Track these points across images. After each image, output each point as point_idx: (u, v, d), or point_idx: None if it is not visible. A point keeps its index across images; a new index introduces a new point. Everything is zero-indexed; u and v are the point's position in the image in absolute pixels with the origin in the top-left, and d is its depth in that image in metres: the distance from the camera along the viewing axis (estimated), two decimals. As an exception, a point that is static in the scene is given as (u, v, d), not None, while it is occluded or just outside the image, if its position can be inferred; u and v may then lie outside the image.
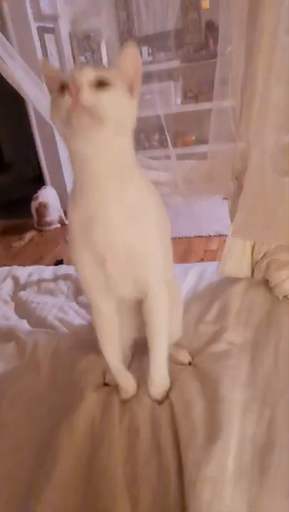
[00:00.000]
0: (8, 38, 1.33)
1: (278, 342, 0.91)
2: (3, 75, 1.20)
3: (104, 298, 0.76)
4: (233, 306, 1.02)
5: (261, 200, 0.84)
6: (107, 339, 0.82)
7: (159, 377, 0.83)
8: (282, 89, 0.88)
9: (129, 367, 0.92)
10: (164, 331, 0.79)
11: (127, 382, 0.86)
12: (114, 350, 0.83)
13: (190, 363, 0.91)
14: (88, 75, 0.56)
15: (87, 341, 0.99)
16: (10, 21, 2.39)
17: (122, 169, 0.63)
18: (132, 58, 0.61)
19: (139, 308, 0.81)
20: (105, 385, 0.89)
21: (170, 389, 0.83)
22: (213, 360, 0.88)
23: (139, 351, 0.95)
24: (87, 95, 0.55)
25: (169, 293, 0.79)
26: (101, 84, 0.56)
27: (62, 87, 0.57)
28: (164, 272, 0.75)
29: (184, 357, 0.92)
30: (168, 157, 1.16)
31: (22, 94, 1.25)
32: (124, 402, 0.84)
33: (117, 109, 0.58)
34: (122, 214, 0.64)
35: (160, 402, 0.81)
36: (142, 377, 0.89)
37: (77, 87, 0.54)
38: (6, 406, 0.86)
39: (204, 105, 2.33)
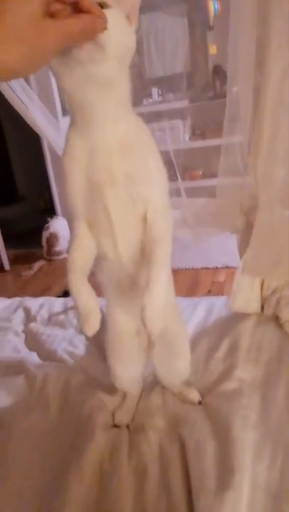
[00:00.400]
0: (26, 78, 1.41)
1: (289, 381, 0.90)
2: (22, 114, 1.27)
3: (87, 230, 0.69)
4: (242, 343, 1.02)
5: (270, 237, 0.86)
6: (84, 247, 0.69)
7: (155, 299, 0.63)
8: None
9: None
10: (166, 245, 0.67)
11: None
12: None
13: (200, 402, 0.90)
14: None
15: (97, 380, 0.99)
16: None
17: (119, 106, 0.61)
18: None
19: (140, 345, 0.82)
20: (114, 426, 0.88)
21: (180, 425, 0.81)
22: (224, 399, 0.87)
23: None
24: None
25: (174, 324, 0.79)
26: (101, 5, 0.51)
27: None
28: (162, 197, 0.69)
29: (194, 396, 0.91)
30: (177, 191, 1.19)
31: (37, 132, 1.32)
32: (132, 442, 0.83)
33: (118, 30, 0.53)
34: (120, 146, 0.62)
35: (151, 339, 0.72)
36: (149, 413, 0.88)
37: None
38: (14, 443, 0.85)
39: (211, 142, 2.42)
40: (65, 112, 2.76)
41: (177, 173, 1.18)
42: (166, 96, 2.76)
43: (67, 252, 0.69)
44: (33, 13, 0.40)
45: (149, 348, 0.84)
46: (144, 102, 2.81)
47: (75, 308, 0.70)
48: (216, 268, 2.36)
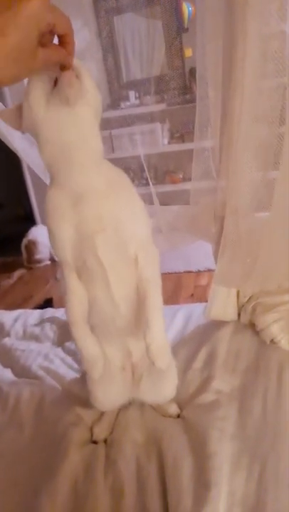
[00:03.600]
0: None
1: (266, 389, 0.89)
2: None
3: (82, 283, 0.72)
4: (220, 352, 1.01)
5: (239, 246, 0.85)
6: (80, 304, 0.73)
7: (158, 337, 0.68)
8: (264, 128, 0.91)
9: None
10: (157, 285, 0.72)
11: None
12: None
13: (178, 416, 0.88)
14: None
15: (74, 394, 0.97)
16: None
17: (98, 151, 0.67)
18: None
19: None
20: (93, 442, 0.86)
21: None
22: (201, 412, 0.86)
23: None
24: (76, 60, 0.60)
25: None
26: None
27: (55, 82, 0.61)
28: (148, 235, 0.74)
29: (173, 410, 0.89)
30: (152, 201, 1.17)
31: (11, 148, 1.28)
32: (108, 458, 0.81)
33: (95, 90, 0.64)
34: (106, 187, 0.67)
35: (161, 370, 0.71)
36: (127, 427, 0.86)
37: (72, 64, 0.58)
38: (-15, 467, 0.82)
39: (190, 145, 2.42)
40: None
41: (149, 179, 1.17)
42: (144, 99, 2.75)
43: (50, 259, 0.74)
44: (32, 41, 0.48)
45: (134, 383, 0.84)
46: (122, 105, 2.79)
47: (80, 356, 0.76)
48: (199, 271, 2.36)
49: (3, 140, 1.22)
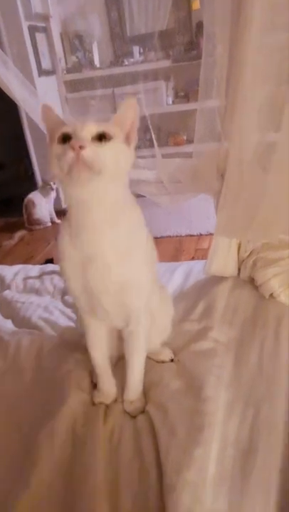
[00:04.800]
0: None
1: (263, 341, 0.90)
2: None
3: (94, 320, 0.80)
4: (218, 305, 1.01)
5: (241, 198, 0.83)
6: (96, 339, 0.83)
7: (135, 393, 0.82)
8: (267, 90, 0.88)
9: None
10: (142, 352, 0.81)
11: (109, 386, 0.84)
12: (102, 347, 0.84)
13: (172, 360, 0.90)
14: (91, 131, 0.60)
15: (72, 342, 0.98)
16: (0, 18, 2.35)
17: (116, 211, 0.67)
18: (131, 110, 0.65)
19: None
20: (94, 385, 0.87)
21: (146, 403, 0.82)
22: (198, 357, 0.87)
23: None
24: (89, 151, 0.58)
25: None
26: (101, 137, 0.60)
27: (64, 139, 0.60)
28: (149, 299, 0.79)
29: (166, 355, 0.91)
30: (155, 156, 1.14)
31: (14, 100, 1.23)
32: (107, 405, 0.83)
33: (116, 161, 0.62)
34: (116, 252, 0.68)
35: (133, 416, 0.80)
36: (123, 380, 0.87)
37: (79, 144, 0.57)
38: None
39: (195, 105, 2.33)
40: (41, 73, 2.61)
41: (153, 137, 1.13)
42: (148, 55, 2.62)
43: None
44: None
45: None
46: (126, 61, 2.67)
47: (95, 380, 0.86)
48: (200, 235, 2.34)
49: (2, 89, 1.18)
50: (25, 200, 2.63)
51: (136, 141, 0.67)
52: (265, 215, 0.82)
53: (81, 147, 0.57)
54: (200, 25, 2.51)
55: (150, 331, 0.83)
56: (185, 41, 2.64)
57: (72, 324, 1.07)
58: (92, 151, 0.58)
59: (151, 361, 0.90)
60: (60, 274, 0.76)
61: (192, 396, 0.78)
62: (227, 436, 0.72)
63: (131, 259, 0.70)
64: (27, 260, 2.27)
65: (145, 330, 0.80)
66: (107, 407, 0.82)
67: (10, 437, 0.79)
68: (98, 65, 2.77)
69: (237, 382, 0.82)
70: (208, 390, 0.78)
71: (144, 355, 0.81)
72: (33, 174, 2.83)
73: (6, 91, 1.17)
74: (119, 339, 0.85)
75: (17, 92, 1.16)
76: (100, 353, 0.84)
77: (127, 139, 0.66)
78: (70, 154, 0.58)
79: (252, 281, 1.04)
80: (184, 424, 0.73)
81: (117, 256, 0.68)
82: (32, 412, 0.83)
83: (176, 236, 2.36)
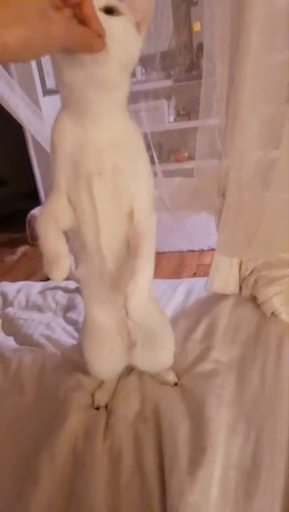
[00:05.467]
0: (6, 65, 1.33)
1: (265, 360, 0.90)
2: (3, 105, 1.20)
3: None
4: (220, 324, 1.01)
5: (242, 217, 0.84)
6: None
7: (139, 289, 0.62)
8: (267, 108, 0.90)
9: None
10: (151, 240, 0.67)
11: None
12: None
13: (176, 384, 0.89)
14: (99, 1, 0.52)
15: (74, 361, 0.98)
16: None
17: (118, 103, 0.61)
18: None
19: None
20: (96, 409, 0.87)
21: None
22: (200, 379, 0.87)
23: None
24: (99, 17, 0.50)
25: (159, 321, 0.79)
26: (110, 11, 0.53)
27: None
28: (148, 195, 0.69)
29: (171, 377, 0.90)
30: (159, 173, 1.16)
31: (17, 119, 1.25)
32: (108, 423, 0.82)
33: (124, 37, 0.54)
34: (112, 140, 0.62)
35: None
36: (126, 395, 0.87)
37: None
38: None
39: (196, 123, 2.38)
40: (45, 93, 2.67)
41: (154, 155, 1.15)
42: (150, 75, 2.69)
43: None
44: (39, 1, 0.40)
45: (130, 349, 0.83)
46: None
47: (42, 253, 0.62)
48: (202, 250, 2.35)
49: (7, 109, 1.21)
50: (29, 215, 2.66)
51: (146, 33, 0.59)
52: (266, 233, 0.83)
53: None
54: (200, 47, 2.58)
55: (157, 355, 0.82)
56: (186, 62, 2.71)
57: (73, 341, 1.07)
58: (101, 17, 0.49)
59: (154, 381, 0.90)
60: (52, 164, 0.65)
61: (195, 417, 0.78)
62: (230, 457, 0.71)
63: (125, 150, 0.64)
64: (30, 275, 2.28)
65: (153, 229, 0.68)
66: (107, 423, 0.81)
67: (10, 456, 0.79)
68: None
69: (239, 401, 0.81)
70: (209, 411, 0.78)
71: (150, 264, 0.65)
72: (36, 190, 2.86)
73: (12, 113, 1.20)
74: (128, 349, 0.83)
75: (22, 114, 1.19)
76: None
77: (138, 25, 0.58)
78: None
79: (254, 299, 1.05)
80: (186, 445, 0.73)
81: (112, 143, 0.62)
82: (33, 431, 0.83)
83: (178, 251, 2.37)
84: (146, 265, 0.64)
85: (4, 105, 1.19)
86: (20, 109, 1.19)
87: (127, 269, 0.67)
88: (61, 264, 0.60)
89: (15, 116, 1.22)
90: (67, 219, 0.66)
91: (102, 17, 0.50)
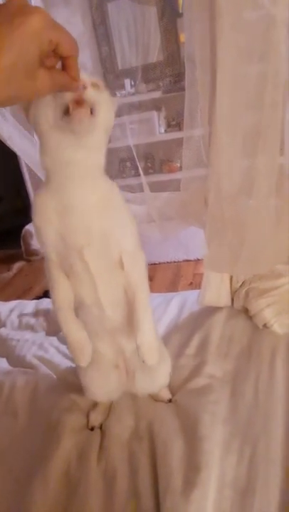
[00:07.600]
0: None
1: (258, 373, 0.89)
2: None
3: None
4: (213, 337, 1.01)
5: (227, 230, 0.84)
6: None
7: (148, 337, 0.71)
8: (249, 117, 0.90)
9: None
10: (145, 288, 0.74)
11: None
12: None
13: (170, 400, 0.89)
14: (89, 78, 0.60)
15: (68, 381, 0.97)
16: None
17: (99, 166, 0.67)
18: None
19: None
20: (90, 429, 0.86)
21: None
22: (193, 396, 0.86)
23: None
24: (91, 91, 0.58)
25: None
26: (95, 87, 0.60)
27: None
28: (135, 243, 0.74)
29: (165, 394, 0.89)
30: (144, 187, 1.16)
31: (13, 149, 1.25)
32: (102, 443, 0.81)
33: (109, 110, 0.64)
34: (98, 203, 0.66)
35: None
36: (120, 413, 0.87)
37: (83, 83, 0.56)
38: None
39: (186, 133, 2.39)
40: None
41: (140, 169, 1.15)
42: (140, 87, 2.71)
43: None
44: (29, 61, 0.44)
45: (128, 379, 0.84)
46: (118, 94, 2.76)
47: (66, 343, 0.75)
48: (198, 260, 2.35)
49: (2, 140, 1.21)
50: (23, 230, 2.67)
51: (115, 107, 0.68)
52: (251, 249, 0.83)
53: (84, 87, 0.56)
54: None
55: (154, 379, 0.83)
56: (174, 73, 2.74)
57: (67, 361, 1.06)
58: (93, 92, 0.58)
59: (148, 399, 0.90)
60: (36, 235, 0.70)
61: (189, 435, 0.77)
62: (224, 476, 0.70)
63: (111, 210, 0.68)
64: (26, 291, 2.28)
65: (143, 263, 0.73)
66: (101, 443, 0.81)
67: (4, 484, 0.78)
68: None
69: (233, 417, 0.81)
70: (203, 429, 0.77)
71: (149, 308, 0.73)
72: (29, 206, 2.87)
73: (5, 142, 1.20)
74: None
75: (16, 144, 1.19)
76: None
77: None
78: (69, 95, 0.56)
79: (246, 311, 1.04)
80: (180, 464, 0.72)
81: (98, 206, 0.66)
82: (25, 456, 0.82)
83: (174, 262, 2.37)
84: (146, 314, 0.72)
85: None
86: (14, 140, 1.19)
87: (125, 313, 0.74)
88: (85, 351, 0.72)
89: (8, 145, 1.22)
90: (72, 295, 0.72)
91: (92, 91, 0.58)
